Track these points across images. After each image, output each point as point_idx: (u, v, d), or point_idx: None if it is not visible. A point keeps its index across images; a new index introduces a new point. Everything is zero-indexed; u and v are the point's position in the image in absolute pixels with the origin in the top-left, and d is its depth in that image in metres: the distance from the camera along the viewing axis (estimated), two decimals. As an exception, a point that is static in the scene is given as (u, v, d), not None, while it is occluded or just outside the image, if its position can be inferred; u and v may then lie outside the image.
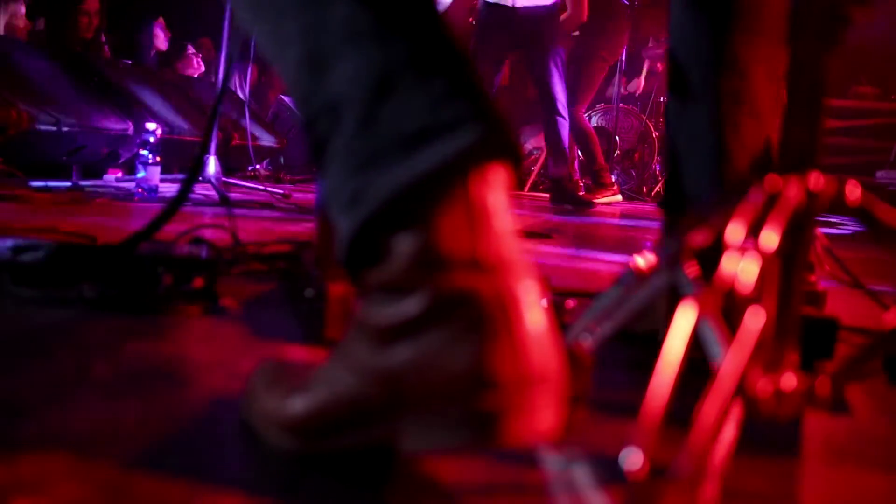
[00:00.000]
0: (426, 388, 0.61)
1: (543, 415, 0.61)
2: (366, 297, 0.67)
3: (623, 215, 4.82)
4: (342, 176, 0.66)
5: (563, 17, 4.60)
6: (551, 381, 0.61)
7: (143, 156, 2.95)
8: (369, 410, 0.64)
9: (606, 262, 2.44)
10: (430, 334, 0.61)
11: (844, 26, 0.70)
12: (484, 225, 0.62)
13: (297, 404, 0.68)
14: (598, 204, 4.91)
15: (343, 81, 0.65)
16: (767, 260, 0.68)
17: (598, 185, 5.16)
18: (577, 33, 5.20)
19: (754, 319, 0.60)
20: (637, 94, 7.32)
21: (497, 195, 0.64)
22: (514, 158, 0.66)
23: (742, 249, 0.65)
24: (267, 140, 4.80)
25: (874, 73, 7.65)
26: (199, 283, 1.29)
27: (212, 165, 3.16)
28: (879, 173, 6.49)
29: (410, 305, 0.62)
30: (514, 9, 4.41)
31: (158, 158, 2.98)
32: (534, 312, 0.61)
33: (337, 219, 0.68)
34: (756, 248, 0.65)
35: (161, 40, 6.51)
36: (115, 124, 3.47)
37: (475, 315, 0.60)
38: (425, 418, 0.61)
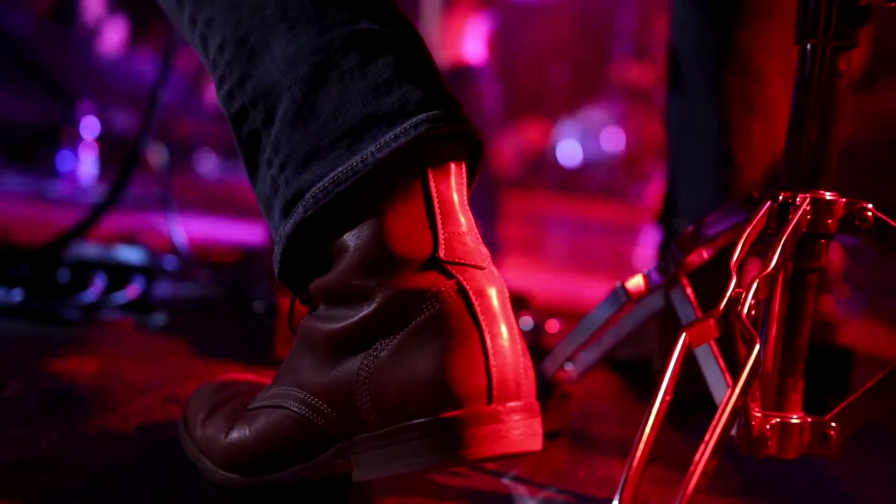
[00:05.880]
0: (382, 403, 0.61)
1: (515, 430, 0.61)
2: (311, 308, 0.67)
3: (616, 227, 4.85)
4: (278, 174, 0.66)
5: None
6: (523, 393, 0.62)
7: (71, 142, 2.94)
8: (318, 435, 0.64)
9: (595, 278, 2.45)
10: (385, 343, 0.61)
11: (865, 21, 0.70)
12: (442, 221, 0.62)
13: (236, 433, 0.68)
14: None
15: (276, 67, 0.65)
16: (773, 284, 0.69)
17: None
18: None
19: (756, 350, 0.61)
20: (644, 87, 7.06)
21: (455, 188, 0.64)
22: (473, 147, 0.66)
23: (745, 272, 0.66)
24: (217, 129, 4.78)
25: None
26: (132, 291, 1.28)
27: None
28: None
29: (361, 312, 0.62)
30: None
31: (95, 145, 2.96)
32: (501, 317, 0.62)
33: (273, 223, 0.68)
34: (760, 270, 0.66)
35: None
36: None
37: (435, 320, 0.60)
38: (382, 439, 0.61)
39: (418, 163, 0.63)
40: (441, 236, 0.62)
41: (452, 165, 0.64)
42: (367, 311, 0.62)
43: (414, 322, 0.61)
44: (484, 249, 0.64)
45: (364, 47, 0.64)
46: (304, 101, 0.65)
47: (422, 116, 0.62)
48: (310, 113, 0.64)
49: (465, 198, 0.65)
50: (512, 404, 0.61)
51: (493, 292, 0.62)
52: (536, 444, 0.62)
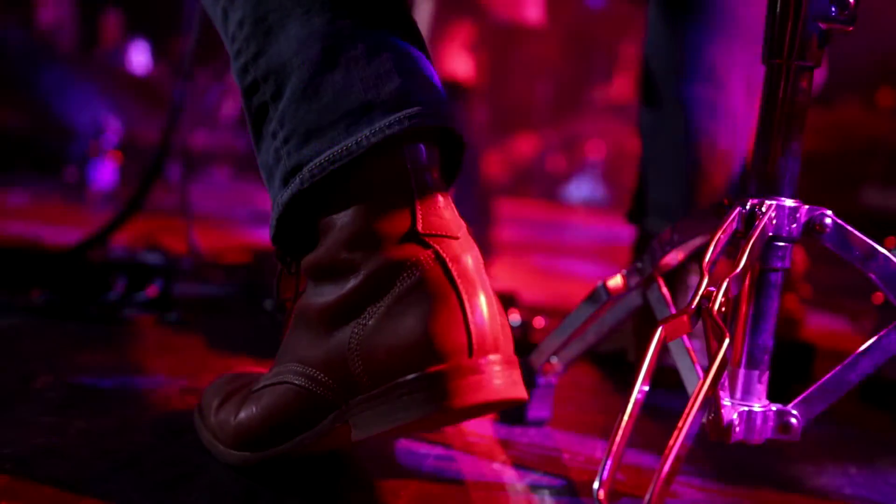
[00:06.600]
0: (373, 366, 0.62)
1: (496, 379, 0.61)
2: (304, 286, 0.68)
3: (599, 231, 4.84)
4: (281, 146, 0.67)
5: None
6: (501, 347, 0.62)
7: (96, 152, 2.93)
8: (318, 403, 0.64)
9: (579, 275, 2.46)
10: (373, 311, 0.62)
11: (826, 43, 0.71)
12: (420, 200, 0.64)
13: (244, 413, 0.69)
14: None
15: (289, 46, 0.66)
16: (741, 283, 0.69)
17: None
18: None
19: (726, 344, 0.61)
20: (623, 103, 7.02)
21: (434, 171, 0.65)
22: (455, 140, 0.68)
23: (715, 272, 0.66)
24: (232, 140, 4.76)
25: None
26: (152, 291, 1.28)
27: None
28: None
29: (349, 284, 0.63)
30: None
31: (117, 155, 2.96)
32: (477, 280, 0.62)
33: (272, 190, 0.69)
34: (730, 271, 0.66)
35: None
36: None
37: (416, 286, 0.61)
38: (375, 398, 0.62)
39: (406, 149, 0.64)
40: (419, 212, 0.63)
41: (433, 153, 0.66)
42: (353, 283, 0.63)
43: (397, 290, 0.62)
44: (460, 221, 0.65)
45: (371, 38, 0.66)
46: (311, 82, 0.65)
47: (415, 109, 0.64)
48: (315, 93, 0.65)
49: (441, 178, 0.66)
50: (492, 357, 0.61)
51: (467, 258, 0.63)
52: (518, 391, 0.63)
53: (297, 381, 0.65)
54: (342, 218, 0.64)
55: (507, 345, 0.63)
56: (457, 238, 0.63)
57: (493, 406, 0.63)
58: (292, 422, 0.66)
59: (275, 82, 0.67)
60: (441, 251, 0.62)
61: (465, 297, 0.61)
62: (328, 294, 0.64)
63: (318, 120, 0.65)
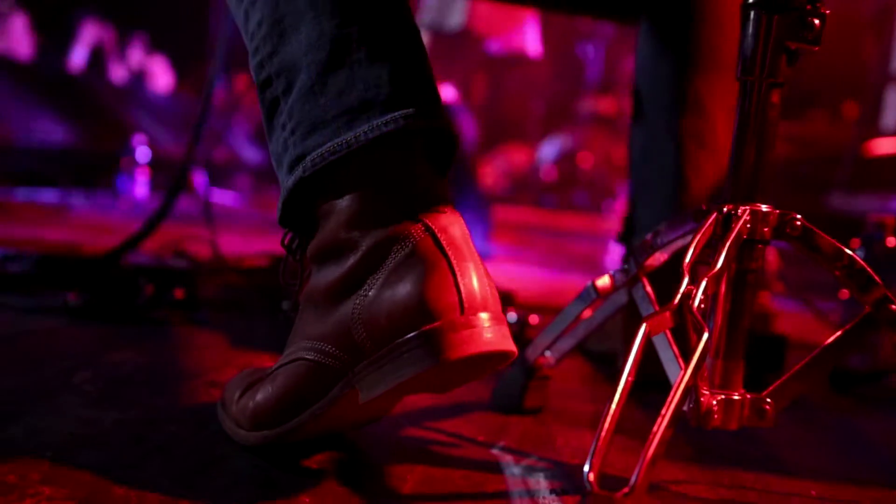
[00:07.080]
0: (375, 331, 0.62)
1: (486, 333, 0.61)
2: (309, 273, 0.69)
3: (588, 235, 4.84)
4: (289, 136, 0.68)
5: None
6: (490, 305, 0.63)
7: (128, 167, 2.94)
8: (327, 374, 0.65)
9: (569, 279, 2.45)
10: (372, 280, 0.63)
11: (793, 62, 0.71)
12: (413, 183, 0.65)
13: (261, 394, 0.69)
14: None
15: (300, 47, 0.67)
16: (719, 282, 0.69)
17: None
18: None
19: (705, 338, 0.61)
20: (609, 116, 7.01)
21: (424, 163, 0.66)
22: (449, 138, 0.68)
23: (694, 272, 0.66)
24: (251, 154, 4.77)
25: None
26: (179, 293, 1.28)
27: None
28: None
29: (349, 261, 0.64)
30: None
31: (147, 170, 2.97)
32: (463, 246, 0.63)
33: (280, 176, 0.70)
34: (707, 270, 0.66)
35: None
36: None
37: (409, 255, 0.62)
38: (378, 361, 0.62)
39: (400, 143, 0.65)
40: (410, 193, 0.64)
41: (423, 147, 0.67)
42: (353, 259, 0.64)
43: (393, 260, 0.63)
44: (447, 200, 0.66)
45: (375, 43, 0.66)
46: (318, 80, 0.67)
47: (410, 110, 0.65)
48: (321, 90, 0.66)
49: (431, 167, 0.67)
50: (482, 314, 0.62)
51: (454, 228, 0.64)
52: (507, 344, 0.63)
53: (307, 357, 0.66)
54: (341, 202, 0.65)
55: (496, 304, 0.64)
56: (444, 212, 0.64)
57: (485, 358, 0.63)
58: (305, 394, 0.66)
59: (286, 79, 0.68)
60: (430, 223, 0.63)
61: (454, 261, 0.62)
62: (331, 274, 0.65)
63: (322, 114, 0.66)
